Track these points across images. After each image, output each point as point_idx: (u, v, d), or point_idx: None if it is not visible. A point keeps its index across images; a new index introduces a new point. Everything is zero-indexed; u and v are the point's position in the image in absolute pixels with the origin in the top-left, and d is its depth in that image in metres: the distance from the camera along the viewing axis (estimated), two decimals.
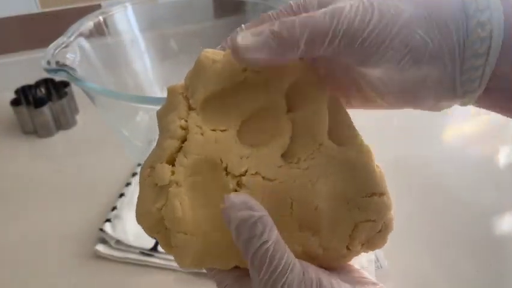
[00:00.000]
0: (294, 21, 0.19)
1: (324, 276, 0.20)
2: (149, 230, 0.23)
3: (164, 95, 0.24)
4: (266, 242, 0.18)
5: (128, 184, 0.51)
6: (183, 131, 0.22)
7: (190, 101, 0.22)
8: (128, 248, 0.44)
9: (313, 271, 0.20)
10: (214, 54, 0.23)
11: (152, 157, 0.22)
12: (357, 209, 0.22)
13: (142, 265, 0.43)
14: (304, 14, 0.19)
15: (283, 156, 0.22)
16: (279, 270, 0.18)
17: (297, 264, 0.19)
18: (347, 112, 0.23)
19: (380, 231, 0.22)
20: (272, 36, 0.19)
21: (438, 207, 0.49)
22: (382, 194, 0.22)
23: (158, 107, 0.24)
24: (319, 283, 0.19)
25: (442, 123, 0.64)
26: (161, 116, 0.23)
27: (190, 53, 0.60)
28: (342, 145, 0.22)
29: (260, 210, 0.19)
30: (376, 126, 0.61)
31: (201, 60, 0.23)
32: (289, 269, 0.19)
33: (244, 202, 0.19)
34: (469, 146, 0.60)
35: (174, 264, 0.43)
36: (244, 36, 0.19)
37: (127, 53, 0.54)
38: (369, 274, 0.23)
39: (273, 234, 0.19)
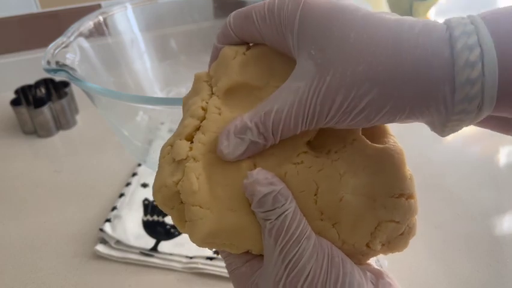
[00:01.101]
0: (267, 126, 0.20)
1: (337, 252, 0.21)
2: (164, 205, 0.23)
3: (164, 94, 0.24)
4: (286, 210, 0.20)
5: (128, 184, 0.51)
6: (203, 111, 0.23)
7: (214, 89, 0.23)
8: (128, 248, 0.44)
9: (327, 244, 0.21)
10: (238, 47, 0.23)
11: (173, 136, 0.23)
12: (383, 208, 0.21)
13: (142, 265, 0.43)
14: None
15: (314, 147, 0.22)
16: (295, 237, 0.20)
17: (313, 235, 0.20)
18: None
19: (402, 233, 0.22)
20: (252, 142, 0.21)
21: (438, 207, 0.49)
22: (410, 196, 0.22)
23: (158, 107, 0.24)
24: (330, 256, 0.20)
25: None
26: (185, 101, 0.24)
27: (190, 53, 0.60)
28: (375, 143, 0.22)
29: (280, 184, 0.20)
30: None
31: (225, 51, 0.23)
32: (305, 237, 0.20)
33: (266, 178, 0.20)
34: (469, 146, 0.59)
35: (174, 264, 0.43)
36: (227, 146, 0.21)
37: (127, 53, 0.54)
38: None
39: (292, 205, 0.20)
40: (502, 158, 0.57)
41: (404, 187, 0.22)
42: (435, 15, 0.86)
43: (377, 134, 0.23)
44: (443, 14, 0.89)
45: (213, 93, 0.23)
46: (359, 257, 0.22)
